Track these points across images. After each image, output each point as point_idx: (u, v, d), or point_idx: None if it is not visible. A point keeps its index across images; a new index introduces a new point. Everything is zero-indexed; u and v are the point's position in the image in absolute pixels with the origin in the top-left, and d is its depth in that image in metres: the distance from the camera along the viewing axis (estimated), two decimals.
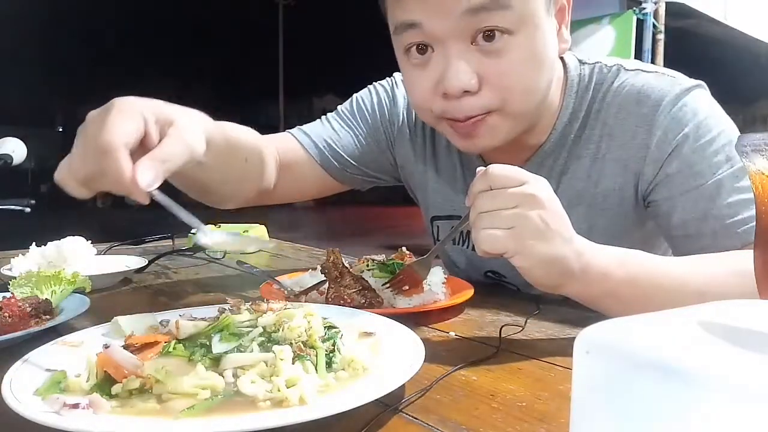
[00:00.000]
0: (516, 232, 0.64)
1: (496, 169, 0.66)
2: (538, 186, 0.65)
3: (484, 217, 0.65)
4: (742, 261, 0.61)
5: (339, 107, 1.13)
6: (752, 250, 0.48)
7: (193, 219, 0.56)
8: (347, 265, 0.89)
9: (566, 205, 0.90)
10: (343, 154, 1.07)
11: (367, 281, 0.86)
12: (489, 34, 0.74)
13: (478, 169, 0.68)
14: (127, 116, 0.54)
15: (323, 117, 1.12)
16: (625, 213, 0.90)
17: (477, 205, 0.66)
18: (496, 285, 1.09)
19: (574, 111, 0.90)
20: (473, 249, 1.07)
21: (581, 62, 0.92)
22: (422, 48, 0.78)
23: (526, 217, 0.64)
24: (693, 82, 0.86)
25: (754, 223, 0.77)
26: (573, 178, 0.91)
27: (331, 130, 1.08)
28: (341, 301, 0.82)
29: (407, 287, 0.87)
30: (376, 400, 0.48)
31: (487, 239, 0.65)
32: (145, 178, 0.52)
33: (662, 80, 0.86)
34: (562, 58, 0.91)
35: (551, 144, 0.91)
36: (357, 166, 1.09)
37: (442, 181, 1.06)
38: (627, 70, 0.89)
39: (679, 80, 0.86)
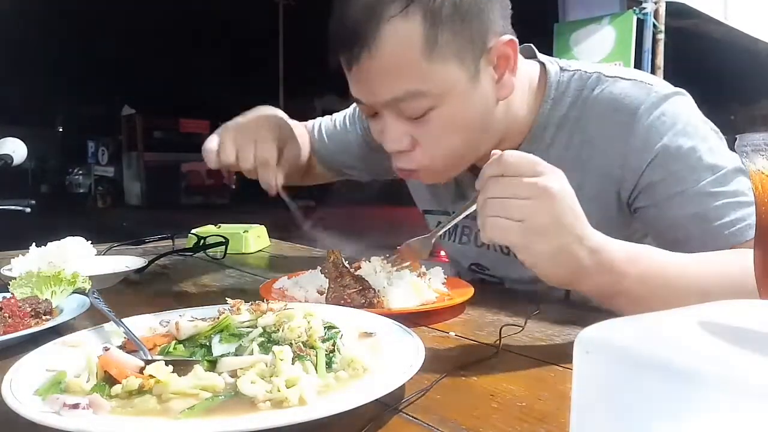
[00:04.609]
0: (526, 226, 0.62)
1: (511, 156, 0.64)
2: (554, 177, 0.64)
3: (493, 204, 0.64)
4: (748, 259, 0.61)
5: (349, 108, 1.23)
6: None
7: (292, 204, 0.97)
8: (347, 265, 0.89)
9: None
10: (340, 159, 1.24)
11: (367, 281, 0.86)
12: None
13: (494, 152, 0.66)
14: (270, 139, 0.93)
15: (336, 116, 1.26)
16: (609, 218, 0.89)
17: (487, 189, 0.64)
18: (497, 285, 1.10)
19: (549, 116, 0.92)
20: (461, 242, 1.10)
21: (562, 69, 0.94)
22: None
23: (538, 211, 0.62)
24: (671, 89, 0.87)
25: (742, 225, 0.78)
26: None
27: (335, 131, 1.24)
28: (341, 301, 0.82)
29: (407, 263, 0.91)
30: (376, 400, 0.49)
31: (494, 228, 0.64)
32: (279, 180, 0.92)
33: (639, 88, 0.87)
34: (543, 65, 0.94)
35: (525, 148, 0.92)
36: (352, 166, 1.26)
37: None
38: (606, 77, 0.90)
39: (656, 88, 0.86)
